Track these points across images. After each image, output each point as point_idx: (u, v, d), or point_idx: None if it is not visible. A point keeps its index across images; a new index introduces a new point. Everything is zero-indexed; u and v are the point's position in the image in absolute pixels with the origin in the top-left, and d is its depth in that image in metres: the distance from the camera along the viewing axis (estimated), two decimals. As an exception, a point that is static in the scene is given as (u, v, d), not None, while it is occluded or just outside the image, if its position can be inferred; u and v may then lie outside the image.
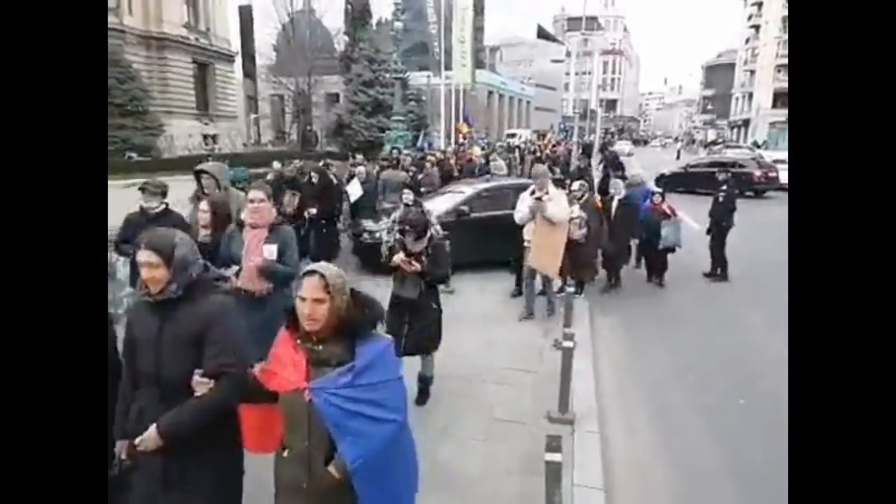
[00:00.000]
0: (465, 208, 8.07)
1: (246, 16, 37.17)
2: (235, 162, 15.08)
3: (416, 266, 3.81)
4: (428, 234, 3.93)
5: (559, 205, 5.71)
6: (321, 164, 10.82)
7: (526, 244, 6.10)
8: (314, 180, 8.91)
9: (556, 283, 6.51)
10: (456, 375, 4.54)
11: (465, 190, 8.84)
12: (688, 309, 7.05)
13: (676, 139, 71.17)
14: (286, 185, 8.12)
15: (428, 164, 11.93)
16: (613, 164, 18.38)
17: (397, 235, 3.99)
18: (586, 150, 28.75)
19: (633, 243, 8.21)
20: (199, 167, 4.56)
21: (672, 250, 7.73)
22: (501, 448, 3.64)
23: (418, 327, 3.98)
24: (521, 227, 6.16)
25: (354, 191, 9.47)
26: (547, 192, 5.71)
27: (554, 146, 24.98)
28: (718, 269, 8.19)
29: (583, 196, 6.73)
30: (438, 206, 8.58)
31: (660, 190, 8.69)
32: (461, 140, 23.80)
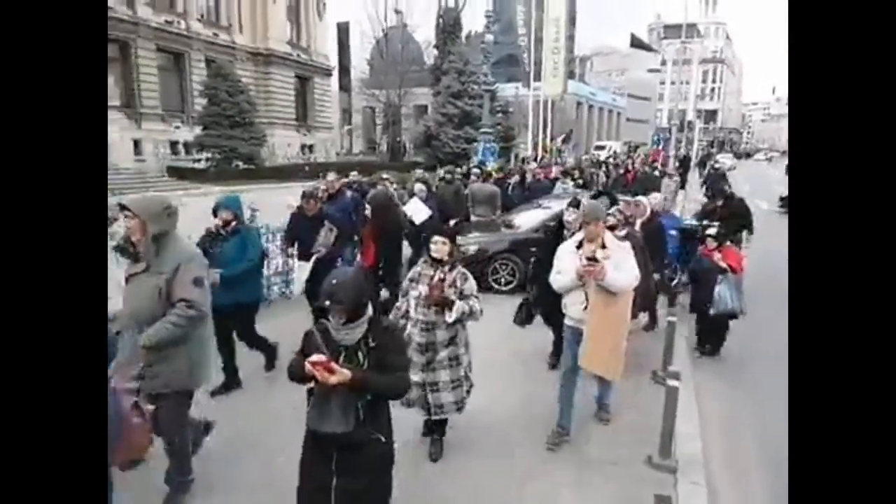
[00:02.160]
0: (553, 224, 7.75)
1: (343, 32, 39.09)
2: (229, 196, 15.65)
3: (344, 373, 2.11)
4: (366, 314, 2.31)
5: (623, 264, 3.59)
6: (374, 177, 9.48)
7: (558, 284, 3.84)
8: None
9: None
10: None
11: (553, 205, 8.52)
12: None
13: (784, 153, 65.69)
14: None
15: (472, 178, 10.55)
16: (717, 183, 16.09)
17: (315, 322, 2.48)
18: (684, 164, 27.04)
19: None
20: (120, 202, 2.90)
21: (733, 316, 5.71)
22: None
23: (352, 489, 2.27)
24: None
25: (416, 211, 7.36)
26: (603, 245, 3.61)
27: (652, 160, 22.15)
28: None
29: (616, 226, 4.60)
30: (525, 221, 8.38)
31: (714, 226, 6.33)
32: (544, 154, 22.71)
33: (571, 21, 40.66)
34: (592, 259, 3.43)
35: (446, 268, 3.38)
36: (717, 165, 23.56)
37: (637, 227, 5.48)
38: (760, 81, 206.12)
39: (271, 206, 7.31)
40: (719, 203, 8.40)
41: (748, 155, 68.22)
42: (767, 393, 4.87)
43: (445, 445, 3.69)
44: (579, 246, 3.65)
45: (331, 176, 7.85)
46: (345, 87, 39.46)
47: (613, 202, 5.34)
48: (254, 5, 29.33)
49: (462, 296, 3.35)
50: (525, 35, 32.02)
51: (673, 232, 6.80)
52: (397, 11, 37.65)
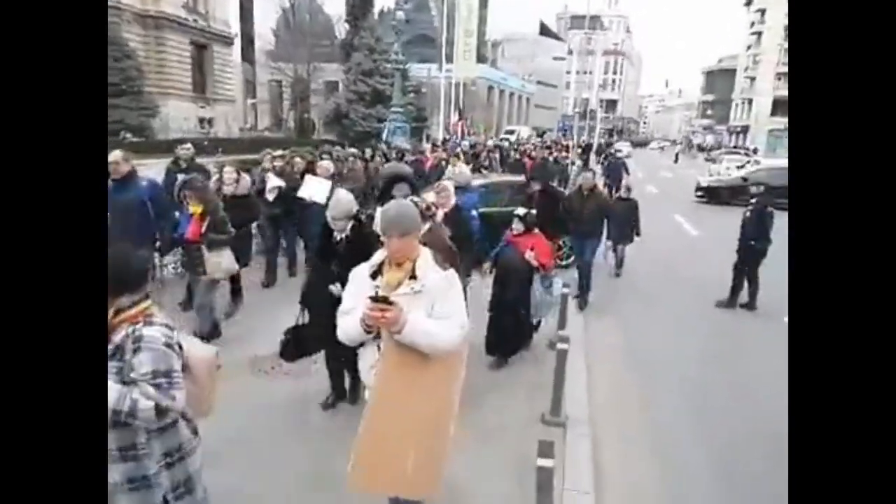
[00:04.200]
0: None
1: (246, -1, 36.75)
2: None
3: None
4: None
5: (444, 305, 2.26)
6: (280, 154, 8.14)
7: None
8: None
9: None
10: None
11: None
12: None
13: (675, 142, 71.20)
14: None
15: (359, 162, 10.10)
16: (617, 170, 15.88)
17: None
18: (586, 151, 28.41)
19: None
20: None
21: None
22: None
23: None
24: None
25: (315, 191, 6.57)
26: (413, 274, 2.29)
27: (546, 147, 21.21)
28: (744, 295, 6.96)
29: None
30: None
31: (522, 211, 5.00)
32: (455, 135, 22.44)
33: (483, 4, 41.12)
34: (382, 300, 2.08)
35: None
36: (615, 152, 24.30)
37: (439, 218, 4.21)
38: (656, 74, 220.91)
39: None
40: (537, 188, 7.24)
41: (644, 144, 73.11)
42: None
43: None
44: (376, 273, 2.34)
45: (115, 155, 4.91)
46: (248, 57, 37.27)
47: (413, 189, 4.81)
48: (143, -38, 26.77)
49: None
50: (437, 16, 31.94)
51: (475, 213, 5.85)
52: (305, -20, 36.03)
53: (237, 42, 35.09)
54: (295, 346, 3.86)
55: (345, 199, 3.76)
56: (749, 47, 66.82)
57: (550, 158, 15.82)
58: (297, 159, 8.47)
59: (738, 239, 7.06)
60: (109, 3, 24.90)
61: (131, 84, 21.36)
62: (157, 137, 22.68)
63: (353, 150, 12.16)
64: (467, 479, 3.25)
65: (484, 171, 12.44)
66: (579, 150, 26.48)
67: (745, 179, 17.61)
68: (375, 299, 2.09)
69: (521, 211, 4.95)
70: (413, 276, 2.26)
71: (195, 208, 4.68)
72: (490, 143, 20.37)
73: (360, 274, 2.40)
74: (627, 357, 5.48)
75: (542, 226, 5.20)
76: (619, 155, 21.59)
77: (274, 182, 6.89)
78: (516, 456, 3.41)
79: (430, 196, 4.65)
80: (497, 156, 15.55)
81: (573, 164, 19.46)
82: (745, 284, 7.03)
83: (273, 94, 40.26)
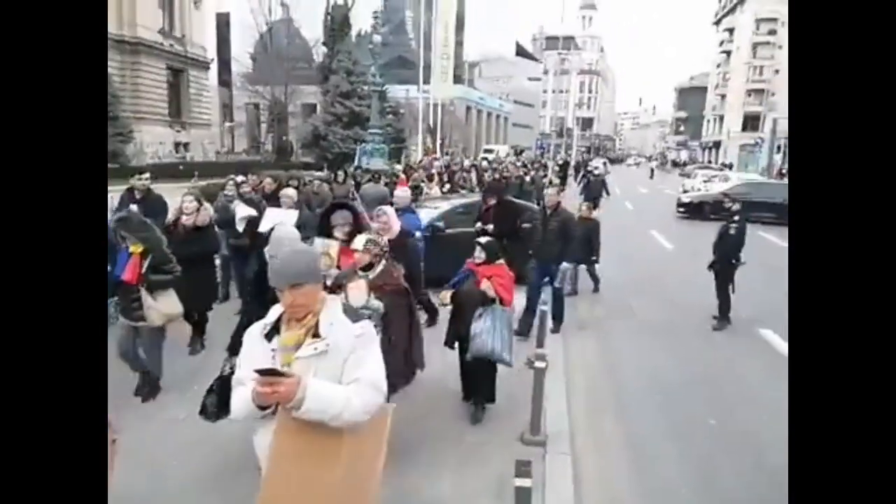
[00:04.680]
0: (441, 224, 7.95)
1: (223, 23, 36.84)
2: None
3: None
4: None
5: (356, 367, 1.90)
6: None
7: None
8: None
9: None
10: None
11: (441, 205, 8.78)
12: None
13: (650, 158, 72.66)
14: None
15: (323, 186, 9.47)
16: (597, 189, 16.26)
17: None
18: (563, 169, 28.74)
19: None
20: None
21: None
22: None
23: None
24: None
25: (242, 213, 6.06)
26: (316, 332, 1.92)
27: (523, 165, 21.03)
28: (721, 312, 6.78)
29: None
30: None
31: (485, 239, 4.48)
32: (430, 157, 22.16)
33: (460, 26, 41.86)
34: (271, 372, 1.73)
35: None
36: (595, 171, 24.01)
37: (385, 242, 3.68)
38: (630, 93, 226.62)
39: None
40: (492, 202, 7.12)
41: (620, 160, 74.50)
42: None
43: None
44: (271, 334, 1.94)
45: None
46: (225, 81, 37.20)
47: (357, 218, 4.25)
48: (119, -11, 26.73)
49: None
50: (415, 38, 32.35)
51: (418, 234, 5.73)
52: (283, 5, 36.27)
53: (214, 66, 35.08)
54: (218, 402, 2.82)
55: (286, 236, 3.52)
56: (719, 65, 68.99)
57: (528, 178, 15.91)
58: (268, 180, 8.22)
59: (716, 255, 6.77)
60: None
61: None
62: (130, 163, 22.40)
63: (319, 173, 12.02)
64: (447, 500, 3.20)
65: (462, 192, 12.48)
66: (556, 168, 26.78)
67: (725, 195, 18.22)
68: (263, 372, 1.73)
69: (483, 239, 4.40)
70: (316, 334, 1.89)
71: (134, 248, 4.12)
72: (466, 162, 20.42)
73: (253, 335, 1.98)
74: (606, 373, 5.49)
75: (499, 238, 5.07)
76: (597, 173, 21.67)
77: (243, 212, 6.11)
78: (495, 476, 3.37)
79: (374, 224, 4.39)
80: (473, 175, 15.54)
81: (551, 183, 19.62)
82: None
83: (250, 117, 40.17)
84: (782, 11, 53.35)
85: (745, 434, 4.28)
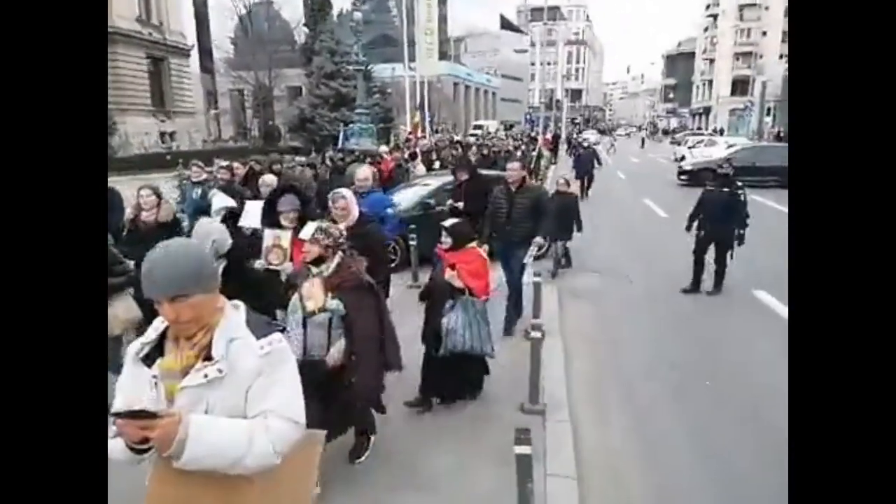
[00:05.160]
0: (432, 202, 7.92)
1: (201, 8, 36.07)
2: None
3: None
4: None
5: (268, 394, 1.49)
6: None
7: None
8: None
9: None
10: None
11: (431, 182, 8.78)
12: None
13: (640, 128, 72.44)
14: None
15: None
16: (589, 161, 15.75)
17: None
18: (554, 141, 28.56)
19: None
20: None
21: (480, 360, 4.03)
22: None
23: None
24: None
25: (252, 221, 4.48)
26: (207, 355, 1.48)
27: (514, 139, 20.94)
28: (707, 281, 6.61)
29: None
30: (403, 198, 8.43)
31: (450, 222, 3.94)
32: (413, 136, 21.69)
33: (443, 1, 41.14)
34: (136, 415, 1.35)
35: None
36: (582, 142, 23.59)
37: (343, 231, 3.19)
38: (618, 62, 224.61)
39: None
40: (464, 178, 6.84)
41: (611, 131, 74.16)
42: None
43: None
44: (152, 354, 1.54)
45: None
46: (207, 68, 36.59)
47: (305, 203, 3.95)
48: (90, -24, 25.97)
49: None
50: (398, 15, 31.81)
51: (390, 211, 5.53)
52: (260, -14, 35.51)
53: (195, 53, 34.42)
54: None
55: (206, 231, 3.25)
56: (706, 29, 68.30)
57: (517, 152, 15.76)
58: (236, 164, 7.79)
59: (705, 221, 6.60)
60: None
61: (86, 102, 20.74)
62: (117, 155, 22.10)
63: (300, 158, 11.85)
64: (448, 472, 3.24)
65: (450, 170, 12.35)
66: (548, 141, 26.60)
67: (728, 160, 17.91)
68: (123, 415, 1.34)
69: (447, 222, 3.90)
70: (208, 357, 1.47)
71: None
72: (455, 139, 20.15)
73: (130, 356, 1.56)
74: (604, 341, 5.52)
75: (474, 217, 4.85)
76: (586, 144, 21.40)
77: (220, 202, 5.23)
78: (498, 446, 3.40)
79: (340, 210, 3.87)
80: (459, 153, 15.26)
81: (541, 156, 19.45)
82: (713, 269, 6.67)
83: (235, 103, 39.59)
84: (768, -29, 52.79)
85: (743, 395, 4.33)
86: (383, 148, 13.31)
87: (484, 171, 8.23)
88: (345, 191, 4.12)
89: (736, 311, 6.24)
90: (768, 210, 11.53)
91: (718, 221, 6.51)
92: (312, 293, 2.89)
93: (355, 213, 3.96)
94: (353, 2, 19.06)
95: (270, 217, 3.86)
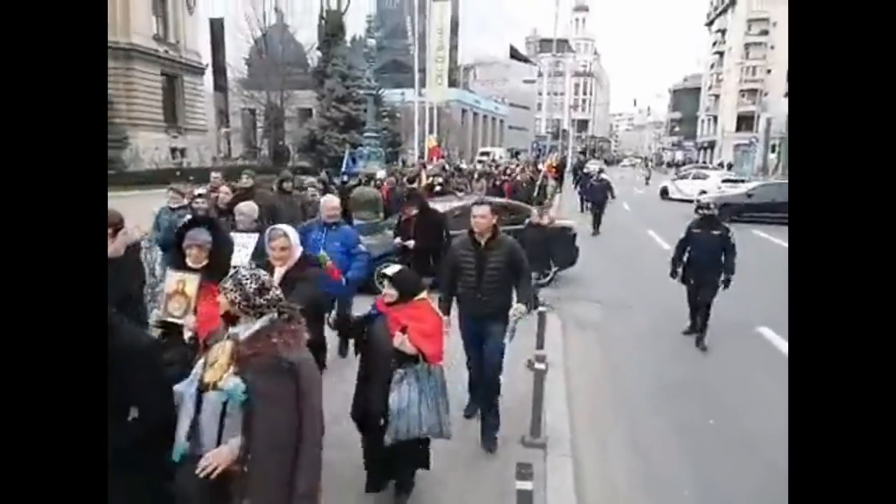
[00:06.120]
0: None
1: (217, 29, 36.86)
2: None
3: None
4: None
5: None
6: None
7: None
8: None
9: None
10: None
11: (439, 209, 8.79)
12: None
13: (646, 160, 72.96)
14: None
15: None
16: (601, 193, 15.35)
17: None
18: (559, 170, 28.64)
19: None
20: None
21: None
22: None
23: None
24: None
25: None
26: None
27: (518, 166, 19.84)
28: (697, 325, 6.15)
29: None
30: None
31: (392, 270, 3.03)
32: (431, 160, 21.77)
33: (454, 30, 41.99)
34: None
35: None
36: (587, 171, 23.19)
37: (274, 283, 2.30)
38: (624, 94, 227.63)
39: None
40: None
41: (616, 161, 74.63)
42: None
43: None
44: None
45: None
46: (220, 86, 37.20)
47: (217, 236, 3.05)
48: (112, -5, 26.68)
49: None
50: (412, 42, 32.43)
51: (362, 248, 4.69)
52: (277, 10, 36.31)
53: (209, 71, 35.05)
54: None
55: None
56: (712, 66, 69.28)
57: (537, 182, 15.77)
58: (224, 189, 6.49)
59: (691, 269, 6.13)
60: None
61: (100, 116, 21.08)
62: (127, 169, 22.37)
63: (312, 178, 11.69)
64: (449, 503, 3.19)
65: (459, 195, 12.37)
66: (553, 169, 26.61)
67: (749, 196, 17.04)
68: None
69: (390, 269, 3.00)
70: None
71: None
72: (463, 165, 20.13)
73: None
74: (607, 376, 5.48)
75: (424, 255, 4.24)
76: (602, 177, 20.71)
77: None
78: (498, 480, 3.35)
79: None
80: (470, 180, 15.26)
81: (545, 184, 19.34)
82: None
83: (246, 122, 40.10)
84: (773, 12, 53.75)
85: (745, 432, 4.28)
86: (381, 173, 12.93)
87: (494, 199, 7.83)
88: (285, 227, 3.35)
89: (742, 347, 6.21)
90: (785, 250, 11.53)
91: (706, 269, 5.94)
92: (218, 360, 2.07)
93: (296, 254, 3.26)
94: (367, 28, 19.37)
95: (175, 256, 3.08)
